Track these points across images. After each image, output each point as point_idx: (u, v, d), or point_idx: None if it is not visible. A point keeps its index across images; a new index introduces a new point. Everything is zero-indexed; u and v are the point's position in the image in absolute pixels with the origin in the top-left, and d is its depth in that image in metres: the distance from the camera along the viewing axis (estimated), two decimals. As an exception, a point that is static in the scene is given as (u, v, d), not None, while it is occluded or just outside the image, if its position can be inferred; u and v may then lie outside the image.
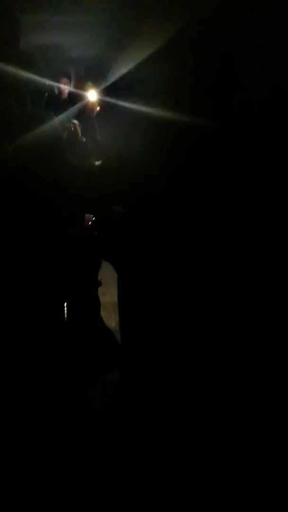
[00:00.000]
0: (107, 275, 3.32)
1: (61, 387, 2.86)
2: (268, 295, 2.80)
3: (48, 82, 3.23)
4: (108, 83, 3.27)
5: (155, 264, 3.03)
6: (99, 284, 3.30)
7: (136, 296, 3.07)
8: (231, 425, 2.47)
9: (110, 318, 3.33)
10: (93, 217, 3.25)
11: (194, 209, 3.01)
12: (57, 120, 3.24)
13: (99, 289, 3.29)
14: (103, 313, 3.27)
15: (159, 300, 2.96)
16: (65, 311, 3.05)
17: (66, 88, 3.42)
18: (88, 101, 3.55)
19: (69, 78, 3.42)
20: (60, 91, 3.40)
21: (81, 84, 3.47)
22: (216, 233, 2.94)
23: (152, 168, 3.15)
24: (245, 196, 2.84)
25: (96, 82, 3.41)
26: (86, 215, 3.25)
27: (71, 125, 3.35)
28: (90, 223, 3.24)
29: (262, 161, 2.78)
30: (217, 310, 2.84)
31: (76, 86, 3.45)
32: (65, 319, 3.04)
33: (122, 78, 3.19)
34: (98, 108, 3.42)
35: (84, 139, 3.40)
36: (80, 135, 3.40)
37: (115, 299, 3.19)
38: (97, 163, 3.37)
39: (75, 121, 3.38)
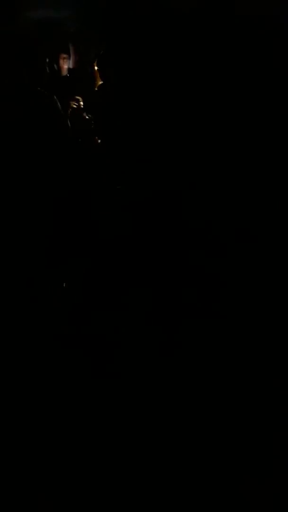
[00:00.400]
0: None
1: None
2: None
3: (47, 59, 3.18)
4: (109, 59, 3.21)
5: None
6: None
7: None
8: (230, 419, 2.47)
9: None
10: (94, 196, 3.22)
11: (196, 191, 3.01)
12: (58, 97, 3.22)
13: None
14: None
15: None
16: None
17: (65, 64, 3.35)
18: (89, 76, 3.48)
19: (69, 54, 3.35)
20: (60, 67, 3.33)
21: (81, 59, 3.39)
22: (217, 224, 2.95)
23: (156, 147, 3.13)
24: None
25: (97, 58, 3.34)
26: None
27: (74, 102, 3.29)
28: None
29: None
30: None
31: (76, 62, 3.37)
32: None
33: (124, 53, 3.14)
34: (100, 83, 3.37)
35: (87, 116, 3.34)
36: (83, 111, 3.34)
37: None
38: (100, 141, 3.33)
39: (79, 97, 3.32)
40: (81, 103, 3.29)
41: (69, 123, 3.21)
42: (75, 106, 3.26)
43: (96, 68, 3.28)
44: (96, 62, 3.26)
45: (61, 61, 3.34)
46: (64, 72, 3.37)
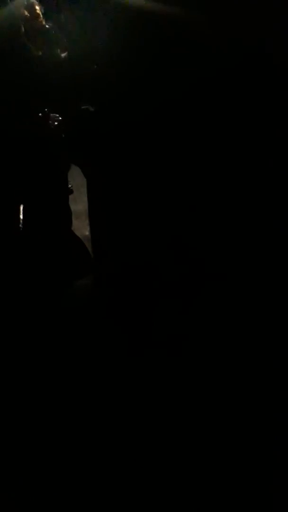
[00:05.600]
0: (78, 182, 3.05)
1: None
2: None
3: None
4: None
5: (127, 168, 2.80)
6: (70, 191, 3.04)
7: (106, 203, 2.87)
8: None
9: (83, 227, 3.12)
10: (59, 116, 2.93)
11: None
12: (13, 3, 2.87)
13: (70, 197, 3.04)
14: (75, 222, 3.05)
15: (129, 207, 2.77)
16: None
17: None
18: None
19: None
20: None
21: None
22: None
23: (125, 61, 2.82)
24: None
25: None
26: (51, 114, 2.92)
27: (31, 9, 2.93)
28: (56, 123, 2.92)
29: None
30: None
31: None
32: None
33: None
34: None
35: (47, 26, 2.98)
36: (42, 20, 2.98)
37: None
38: (64, 54, 3.00)
39: (36, 3, 2.95)
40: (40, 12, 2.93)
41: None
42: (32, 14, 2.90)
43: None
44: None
45: None
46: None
